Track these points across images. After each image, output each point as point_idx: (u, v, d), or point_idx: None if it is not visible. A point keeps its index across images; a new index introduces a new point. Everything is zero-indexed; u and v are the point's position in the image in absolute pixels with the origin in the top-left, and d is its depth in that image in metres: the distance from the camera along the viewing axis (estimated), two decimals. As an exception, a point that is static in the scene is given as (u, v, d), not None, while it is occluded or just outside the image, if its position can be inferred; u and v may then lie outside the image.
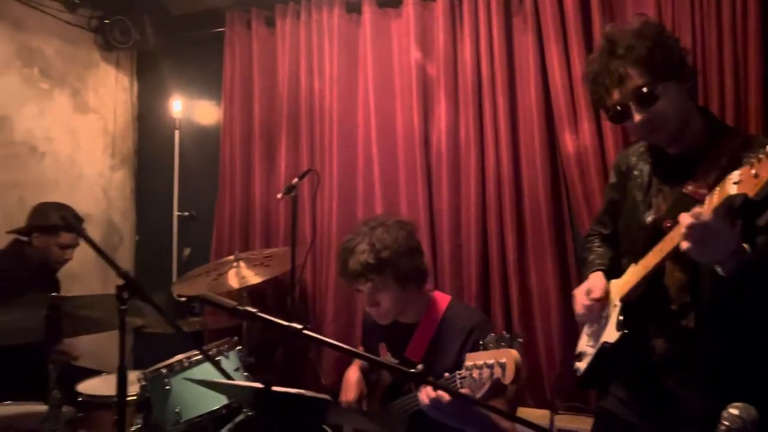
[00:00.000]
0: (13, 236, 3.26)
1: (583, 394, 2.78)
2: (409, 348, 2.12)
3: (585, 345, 1.70)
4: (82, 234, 2.12)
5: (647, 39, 1.53)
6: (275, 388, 1.45)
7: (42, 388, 2.34)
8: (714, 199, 1.30)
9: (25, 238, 3.24)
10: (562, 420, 2.58)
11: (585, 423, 2.44)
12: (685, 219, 1.32)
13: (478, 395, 1.60)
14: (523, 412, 2.73)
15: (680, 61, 1.57)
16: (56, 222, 3.03)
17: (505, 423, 1.92)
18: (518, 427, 2.07)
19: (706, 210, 1.30)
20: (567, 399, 2.76)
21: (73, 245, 3.26)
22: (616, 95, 1.56)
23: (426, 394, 1.70)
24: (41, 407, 2.52)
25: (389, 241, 2.04)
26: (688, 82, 1.58)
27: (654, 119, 1.54)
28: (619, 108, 1.57)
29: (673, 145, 1.61)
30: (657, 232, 1.51)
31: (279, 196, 3.02)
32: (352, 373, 2.34)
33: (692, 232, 1.31)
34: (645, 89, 1.51)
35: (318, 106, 3.55)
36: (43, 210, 3.17)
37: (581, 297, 1.69)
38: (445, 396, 1.67)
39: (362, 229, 2.11)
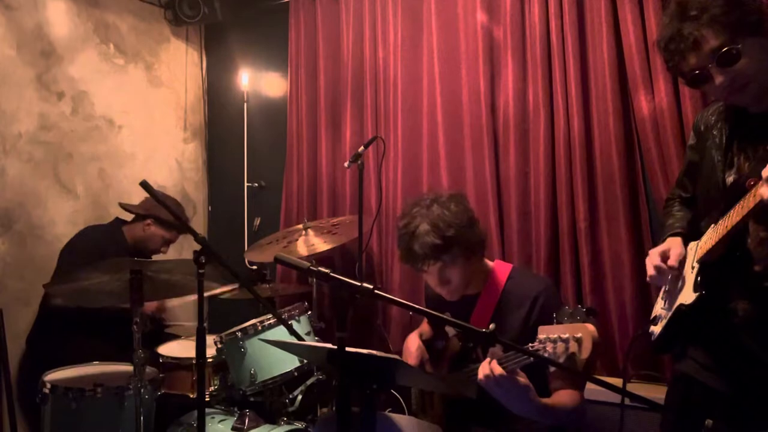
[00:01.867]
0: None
1: (656, 362, 2.72)
2: (472, 318, 2.12)
3: (660, 308, 1.65)
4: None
5: None
6: (348, 349, 1.47)
7: (126, 349, 2.48)
8: None
9: (126, 217, 3.40)
10: (635, 388, 2.53)
11: (658, 391, 2.38)
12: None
13: (551, 370, 1.58)
14: (594, 380, 2.70)
15: (760, 16, 1.47)
16: (183, 221, 3.13)
17: (571, 394, 1.90)
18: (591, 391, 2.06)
19: None
20: (640, 367, 2.71)
21: (174, 242, 3.44)
22: (692, 60, 1.48)
23: (482, 369, 1.70)
24: (126, 367, 2.67)
25: (450, 217, 2.01)
26: None
27: (736, 79, 1.46)
28: (697, 72, 1.49)
29: (758, 104, 1.53)
30: (739, 192, 1.44)
31: (346, 164, 3.05)
32: (412, 340, 2.36)
33: None
34: (724, 49, 1.44)
35: (382, 74, 3.54)
36: (163, 202, 3.24)
37: (655, 258, 1.63)
38: (501, 372, 1.67)
39: (416, 210, 2.06)
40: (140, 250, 3.38)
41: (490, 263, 2.20)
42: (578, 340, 1.52)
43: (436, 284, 2.11)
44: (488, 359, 1.71)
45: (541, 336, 1.62)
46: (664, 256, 1.62)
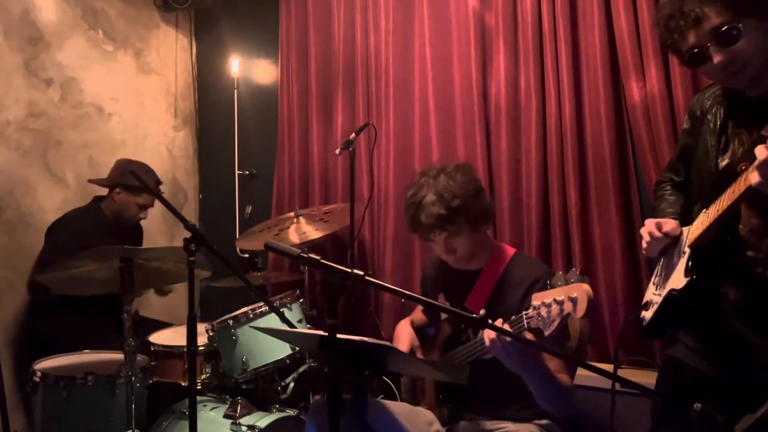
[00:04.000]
0: (91, 195, 3.42)
1: (647, 348, 2.73)
2: (470, 298, 2.12)
3: (651, 294, 1.66)
4: (160, 197, 2.19)
5: None
6: (339, 336, 1.47)
7: (117, 337, 2.47)
8: None
9: (104, 193, 3.39)
10: (626, 374, 2.54)
11: (649, 377, 2.39)
12: (762, 152, 1.25)
13: (547, 332, 1.58)
14: (585, 366, 2.71)
15: None
16: (145, 184, 3.14)
17: (563, 377, 1.91)
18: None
19: None
20: (631, 353, 2.72)
21: (150, 206, 3.40)
22: (691, 38, 1.47)
23: (487, 334, 1.71)
24: (117, 355, 2.66)
25: (456, 187, 2.02)
26: None
27: (735, 60, 1.45)
28: (695, 51, 1.48)
29: (754, 88, 1.53)
30: (731, 176, 1.44)
31: (337, 151, 3.04)
32: (403, 327, 2.37)
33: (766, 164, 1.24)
34: (725, 28, 1.43)
35: (374, 61, 3.52)
36: (129, 168, 3.26)
37: (651, 226, 1.64)
38: (509, 331, 1.67)
39: (423, 180, 2.08)
40: (120, 221, 3.36)
41: (498, 243, 2.22)
42: (573, 300, 1.52)
43: (442, 252, 2.13)
44: (499, 320, 1.70)
45: (536, 302, 1.62)
46: (659, 226, 1.63)
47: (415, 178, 2.14)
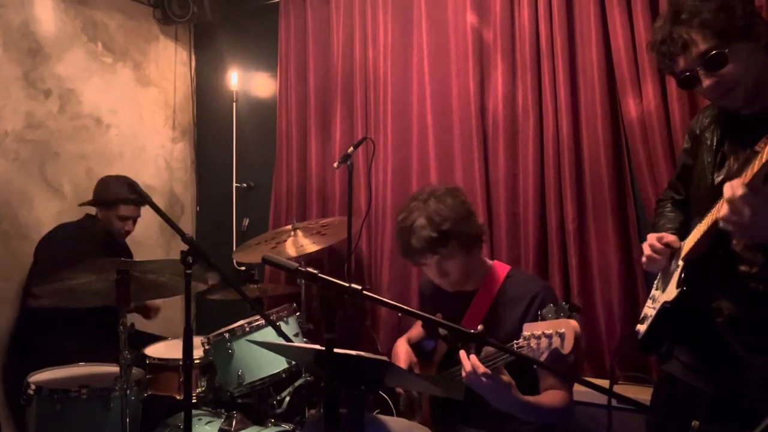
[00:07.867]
0: (85, 209, 3.42)
1: (644, 364, 2.73)
2: (467, 315, 2.12)
3: (648, 308, 1.67)
4: (146, 200, 2.19)
5: (712, 1, 1.48)
6: (336, 350, 1.47)
7: (113, 350, 2.46)
8: (754, 167, 1.25)
9: (93, 212, 3.39)
10: (622, 389, 2.53)
11: (645, 393, 2.39)
12: (727, 190, 1.28)
13: (534, 366, 1.60)
14: (582, 381, 2.70)
15: (749, 21, 1.49)
16: (115, 195, 3.14)
17: (556, 395, 1.91)
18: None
19: (745, 178, 1.26)
20: (627, 369, 2.72)
21: (133, 217, 3.33)
22: (681, 62, 1.52)
23: (464, 366, 1.72)
24: (112, 368, 2.65)
25: (446, 211, 2.02)
26: (763, 39, 1.50)
27: (724, 83, 1.49)
28: (686, 74, 1.52)
29: (748, 107, 1.55)
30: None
31: (335, 164, 3.05)
32: (401, 345, 2.37)
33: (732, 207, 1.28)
34: (711, 53, 1.46)
35: (372, 75, 3.54)
36: (104, 184, 3.29)
37: (652, 239, 1.66)
38: (484, 371, 1.69)
39: (413, 205, 2.08)
40: (111, 238, 3.33)
41: (489, 261, 2.21)
42: (561, 335, 1.53)
43: (435, 276, 2.13)
44: (469, 356, 1.72)
45: (526, 333, 1.64)
46: (660, 239, 1.65)
47: (405, 203, 2.15)
